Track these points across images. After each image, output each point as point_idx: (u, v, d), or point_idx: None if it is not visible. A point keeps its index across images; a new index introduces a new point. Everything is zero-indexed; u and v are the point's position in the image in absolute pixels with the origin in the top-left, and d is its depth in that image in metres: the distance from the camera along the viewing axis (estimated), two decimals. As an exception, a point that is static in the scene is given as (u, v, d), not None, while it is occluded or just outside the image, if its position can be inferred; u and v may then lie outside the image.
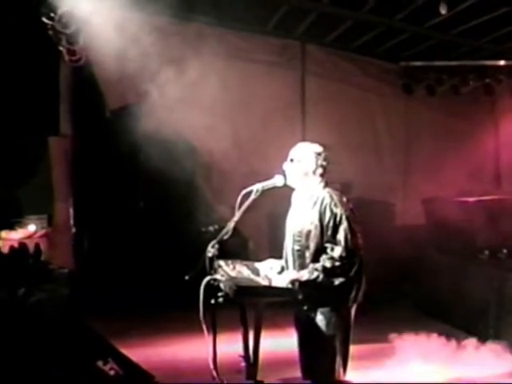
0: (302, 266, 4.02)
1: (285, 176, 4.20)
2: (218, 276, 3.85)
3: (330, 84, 10.66)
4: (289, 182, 4.22)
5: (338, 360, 4.00)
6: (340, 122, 10.49)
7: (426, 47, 10.46)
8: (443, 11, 8.19)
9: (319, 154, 4.22)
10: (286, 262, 4.24)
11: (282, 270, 4.25)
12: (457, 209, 8.74)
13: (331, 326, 3.97)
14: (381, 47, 10.72)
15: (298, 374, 4.36)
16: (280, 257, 4.35)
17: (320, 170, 4.21)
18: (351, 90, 10.80)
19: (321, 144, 4.33)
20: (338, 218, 3.99)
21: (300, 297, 3.88)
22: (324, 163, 4.23)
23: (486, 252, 8.29)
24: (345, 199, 4.14)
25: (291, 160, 4.23)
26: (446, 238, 9.01)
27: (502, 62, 10.49)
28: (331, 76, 10.69)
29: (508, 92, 10.80)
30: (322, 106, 10.50)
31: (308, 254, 4.04)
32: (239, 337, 4.01)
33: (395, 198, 10.78)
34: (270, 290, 3.91)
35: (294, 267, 4.10)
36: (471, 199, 9.04)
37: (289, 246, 4.22)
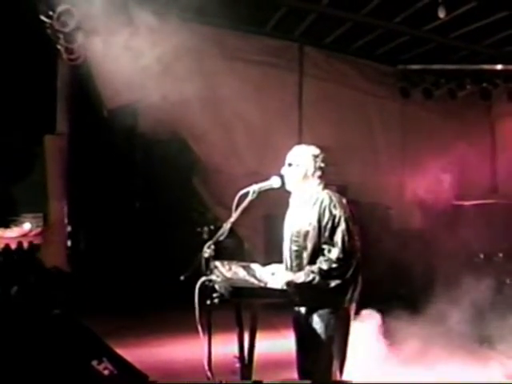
0: (300, 267, 4.01)
1: (281, 177, 4.19)
2: (213, 277, 3.82)
3: (327, 86, 10.67)
4: (288, 187, 4.21)
5: (335, 362, 3.98)
6: (337, 124, 10.51)
7: (424, 50, 10.49)
8: (441, 15, 8.22)
9: (317, 157, 4.22)
10: (285, 262, 4.23)
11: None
12: (453, 212, 8.76)
13: (329, 328, 3.96)
14: (379, 50, 10.74)
15: (292, 375, 4.35)
16: (280, 261, 4.33)
17: (318, 173, 4.20)
18: (349, 92, 10.81)
19: (318, 146, 4.32)
20: (336, 220, 3.98)
21: (296, 298, 3.87)
22: (322, 165, 4.22)
23: (482, 255, 8.29)
24: (344, 201, 4.14)
25: (289, 164, 4.21)
26: (441, 241, 9.01)
27: (498, 67, 10.50)
28: (329, 78, 10.70)
29: (504, 96, 10.82)
30: (319, 107, 10.51)
31: (306, 255, 4.03)
32: (234, 338, 3.99)
33: (391, 201, 10.79)
34: (266, 292, 3.88)
35: (292, 268, 4.09)
36: (467, 203, 9.05)
37: (287, 246, 4.21)
